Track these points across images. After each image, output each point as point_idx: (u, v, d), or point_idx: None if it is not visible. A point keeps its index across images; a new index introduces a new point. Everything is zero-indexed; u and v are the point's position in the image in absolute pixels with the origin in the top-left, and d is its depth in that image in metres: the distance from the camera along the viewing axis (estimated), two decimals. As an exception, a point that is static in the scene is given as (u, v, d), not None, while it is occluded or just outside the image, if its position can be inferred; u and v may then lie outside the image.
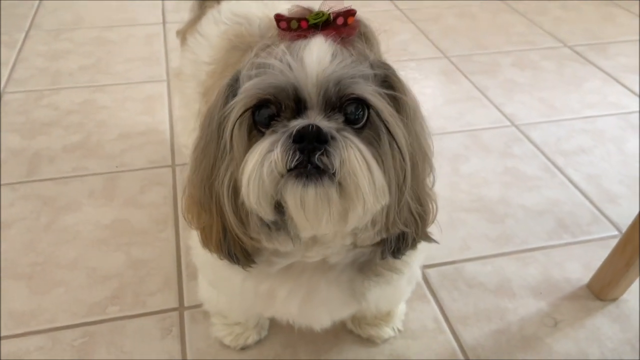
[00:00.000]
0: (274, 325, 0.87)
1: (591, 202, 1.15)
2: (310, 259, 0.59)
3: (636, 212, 0.99)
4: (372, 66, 0.51)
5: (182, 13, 1.93)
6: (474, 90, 1.54)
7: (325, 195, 0.47)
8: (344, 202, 0.48)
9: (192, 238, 0.71)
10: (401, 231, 0.55)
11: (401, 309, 0.88)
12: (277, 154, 0.46)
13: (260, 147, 0.47)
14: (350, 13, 0.51)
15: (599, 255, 1.02)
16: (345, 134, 0.48)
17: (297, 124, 0.47)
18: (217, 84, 0.79)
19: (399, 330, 0.88)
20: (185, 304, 0.92)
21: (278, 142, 0.47)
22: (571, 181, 1.21)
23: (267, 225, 0.51)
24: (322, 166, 0.46)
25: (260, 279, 0.63)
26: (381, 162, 0.49)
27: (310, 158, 0.46)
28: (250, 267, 0.58)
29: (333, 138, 0.46)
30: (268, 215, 0.49)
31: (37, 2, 2.00)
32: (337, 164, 0.46)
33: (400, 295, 0.81)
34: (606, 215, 1.12)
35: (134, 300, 0.93)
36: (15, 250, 1.01)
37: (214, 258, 0.59)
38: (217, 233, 0.54)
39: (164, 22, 1.89)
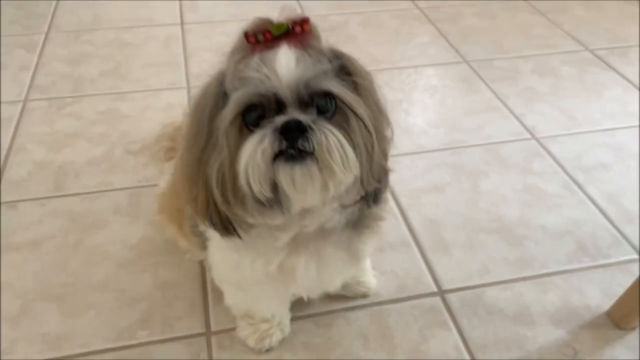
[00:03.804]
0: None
1: (611, 222, 1.16)
2: (308, 228, 0.69)
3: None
4: (329, 60, 0.61)
5: (201, 11, 1.95)
6: (494, 100, 1.53)
7: (309, 172, 0.58)
8: (324, 175, 0.59)
9: (210, 256, 0.83)
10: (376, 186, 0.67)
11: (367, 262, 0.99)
12: (267, 143, 0.57)
13: (253, 140, 0.58)
14: (305, 21, 0.61)
15: (618, 279, 1.04)
16: (319, 122, 0.59)
17: (280, 119, 0.58)
18: None
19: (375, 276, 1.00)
20: (212, 329, 0.95)
21: (267, 134, 0.58)
22: (591, 200, 1.21)
23: (261, 203, 0.60)
24: (303, 149, 0.57)
25: (270, 258, 0.73)
26: (351, 140, 0.60)
27: (293, 144, 0.57)
28: (230, 235, 0.67)
29: (310, 127, 0.57)
30: (266, 193, 0.59)
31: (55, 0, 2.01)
32: (315, 145, 0.57)
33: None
34: (626, 237, 1.13)
35: (162, 325, 0.95)
36: (46, 270, 1.04)
37: (222, 249, 0.75)
38: (203, 203, 0.64)
39: (182, 23, 1.89)
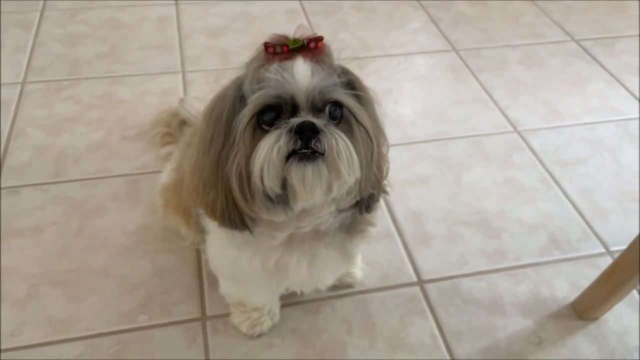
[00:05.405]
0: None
1: (583, 217, 1.23)
2: (303, 229, 0.75)
3: (623, 229, 1.15)
4: (339, 75, 0.68)
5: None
6: (480, 91, 1.59)
7: (318, 171, 0.63)
8: (331, 175, 0.64)
9: (208, 249, 0.88)
10: (370, 192, 0.73)
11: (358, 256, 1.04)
12: (282, 142, 0.62)
13: (270, 138, 0.63)
14: (319, 39, 0.67)
15: (585, 273, 1.12)
16: (330, 127, 0.64)
17: (295, 120, 0.63)
18: None
19: (362, 268, 1.08)
20: (208, 314, 1.02)
21: (282, 133, 0.63)
22: (566, 194, 1.29)
23: (270, 199, 0.65)
24: (316, 149, 0.62)
25: (267, 255, 0.78)
26: (354, 146, 0.65)
27: (307, 144, 0.62)
28: (245, 231, 0.72)
29: (322, 130, 0.63)
30: (277, 189, 0.64)
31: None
32: (326, 147, 0.63)
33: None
34: (595, 232, 1.20)
35: (161, 310, 1.02)
36: (50, 256, 1.10)
37: (222, 246, 0.80)
38: (221, 205, 0.69)
39: (176, 2, 1.90)
